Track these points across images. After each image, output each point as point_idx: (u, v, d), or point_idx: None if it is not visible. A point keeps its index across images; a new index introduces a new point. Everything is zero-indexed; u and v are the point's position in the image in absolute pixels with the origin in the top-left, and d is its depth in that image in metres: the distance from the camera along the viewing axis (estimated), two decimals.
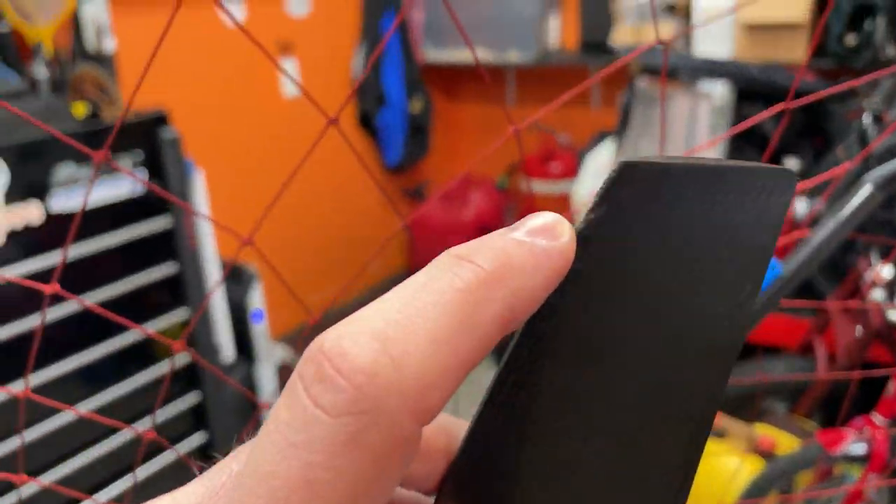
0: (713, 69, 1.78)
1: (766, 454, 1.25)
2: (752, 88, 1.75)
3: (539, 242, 0.17)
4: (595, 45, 2.49)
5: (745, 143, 1.76)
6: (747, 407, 1.43)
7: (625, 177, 0.18)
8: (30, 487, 1.08)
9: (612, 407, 0.19)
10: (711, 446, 1.22)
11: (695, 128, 1.85)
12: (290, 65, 2.41)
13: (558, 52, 2.63)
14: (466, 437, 0.19)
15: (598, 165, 2.06)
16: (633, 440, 0.20)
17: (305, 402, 0.14)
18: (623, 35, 2.22)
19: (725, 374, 0.20)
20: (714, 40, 2.00)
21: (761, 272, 0.20)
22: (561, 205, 2.48)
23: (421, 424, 0.15)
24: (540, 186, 2.57)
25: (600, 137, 2.35)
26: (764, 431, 1.30)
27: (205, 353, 1.59)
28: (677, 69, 1.81)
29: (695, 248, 0.19)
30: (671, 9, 2.17)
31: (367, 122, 2.75)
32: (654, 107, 1.88)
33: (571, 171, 2.51)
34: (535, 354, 0.19)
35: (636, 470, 0.20)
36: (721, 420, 1.31)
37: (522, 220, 0.18)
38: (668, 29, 2.07)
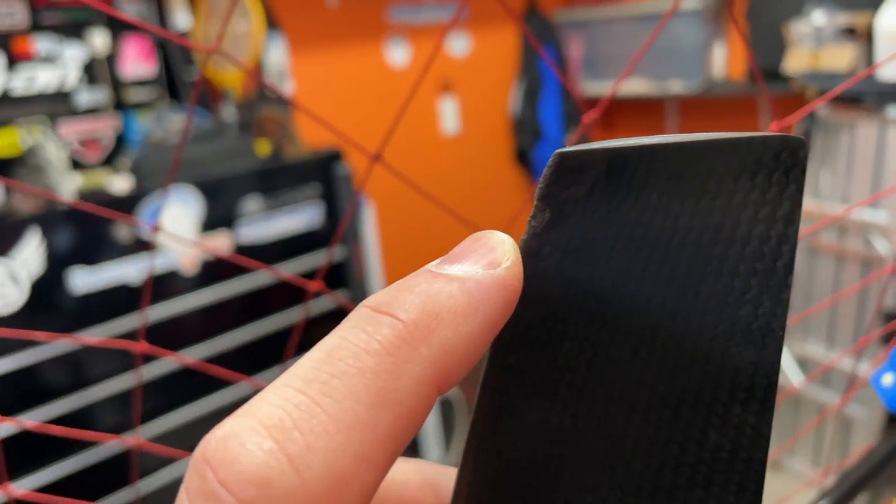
0: None
1: None
2: None
3: (474, 276, 0.14)
4: (766, 72, 2.37)
5: None
6: None
7: (564, 171, 0.15)
8: None
9: (605, 439, 0.16)
10: None
11: (883, 157, 1.70)
12: (451, 103, 2.47)
13: (724, 82, 2.53)
14: (455, 492, 0.17)
15: None
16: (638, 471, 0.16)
17: None
18: (798, 61, 2.10)
19: (759, 419, 0.15)
20: None
21: (775, 273, 0.15)
22: None
23: None
24: None
25: None
26: None
27: None
28: (862, 94, 1.68)
29: (673, 247, 0.15)
30: (850, 32, 2.03)
31: (523, 158, 2.76)
32: (837, 136, 1.75)
33: None
34: (507, 393, 0.16)
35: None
36: None
37: (461, 245, 0.15)
38: (847, 53, 1.94)
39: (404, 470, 0.18)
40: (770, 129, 0.37)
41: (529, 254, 0.15)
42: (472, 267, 0.14)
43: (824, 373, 1.79)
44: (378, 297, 0.14)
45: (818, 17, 1.92)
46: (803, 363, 1.84)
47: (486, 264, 0.14)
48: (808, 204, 1.74)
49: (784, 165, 0.15)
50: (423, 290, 0.13)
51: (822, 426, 1.83)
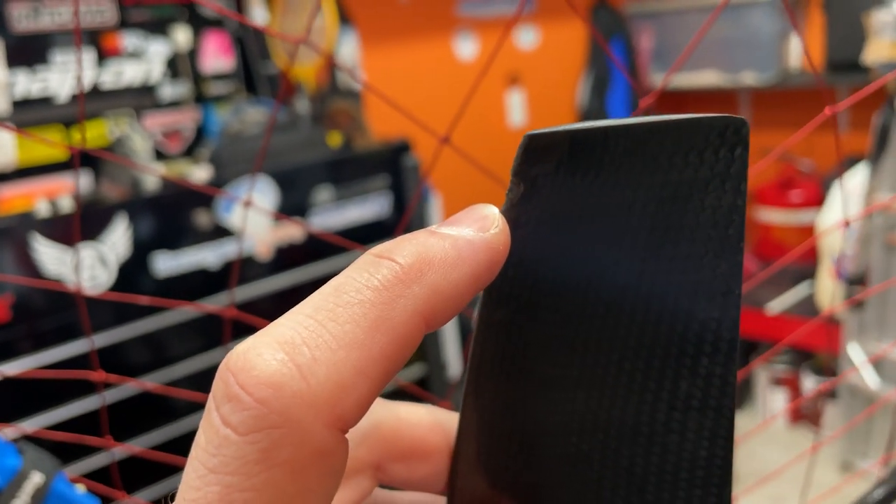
0: None
1: None
2: None
3: (464, 235, 0.16)
4: (843, 63, 2.30)
5: None
6: None
7: (532, 150, 0.17)
8: None
9: (585, 386, 0.18)
10: None
11: None
12: (518, 96, 2.48)
13: (800, 73, 2.46)
14: (458, 431, 0.19)
15: (849, 193, 1.89)
16: (617, 416, 0.18)
17: (216, 422, 0.14)
18: (879, 51, 2.03)
19: (725, 370, 0.17)
20: None
21: (728, 239, 0.17)
22: (804, 236, 2.30)
23: (340, 431, 0.14)
24: (779, 216, 2.40)
25: (849, 163, 2.16)
26: None
27: (434, 367, 1.67)
28: None
29: (633, 217, 0.17)
30: None
31: None
32: None
33: (815, 199, 2.32)
34: (496, 343, 0.18)
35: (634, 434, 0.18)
36: None
37: (458, 213, 0.17)
38: None
39: (417, 412, 0.21)
40: (823, 115, 0.38)
41: (507, 222, 0.17)
42: (465, 229, 0.16)
43: None
44: (382, 246, 0.16)
45: None
46: (880, 364, 1.78)
47: (477, 228, 0.16)
48: (887, 198, 1.68)
49: (728, 143, 0.17)
50: (420, 242, 0.16)
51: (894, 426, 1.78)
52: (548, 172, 0.17)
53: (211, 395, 0.14)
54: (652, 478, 0.18)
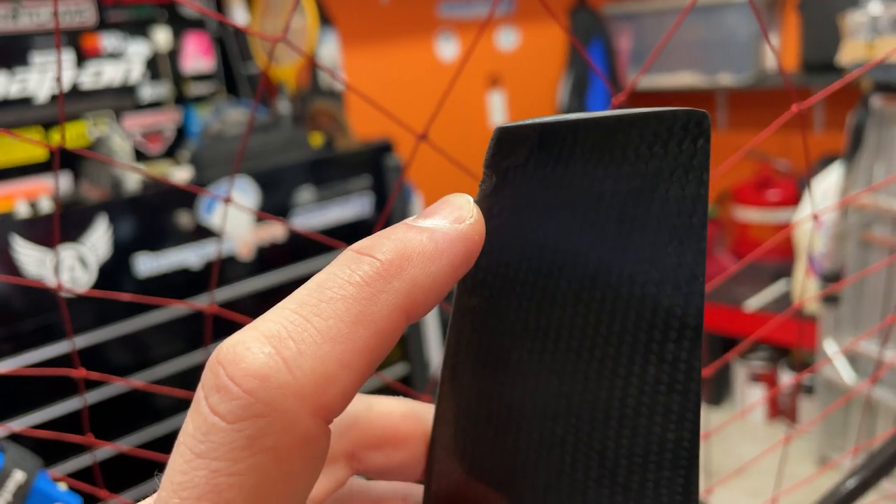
0: None
1: None
2: None
3: (441, 228, 0.17)
4: (818, 64, 2.34)
5: None
6: None
7: (504, 143, 0.17)
8: None
9: (557, 372, 0.18)
10: None
11: None
12: (499, 96, 2.49)
13: (776, 74, 2.49)
14: (435, 417, 0.19)
15: (824, 192, 1.92)
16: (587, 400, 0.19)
17: (205, 411, 0.14)
18: (853, 52, 2.06)
19: (690, 355, 0.18)
20: None
21: (692, 227, 0.18)
22: (781, 234, 2.34)
23: (324, 421, 0.15)
24: (755, 215, 2.43)
25: (824, 162, 2.19)
26: None
27: (417, 366, 1.68)
28: None
29: (601, 206, 0.18)
30: None
31: None
32: (891, 128, 1.72)
33: (791, 198, 2.36)
34: (471, 330, 0.18)
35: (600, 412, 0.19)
36: None
37: (433, 205, 0.18)
38: None
39: (389, 402, 0.21)
40: (791, 112, 0.39)
41: (481, 213, 0.18)
42: (441, 221, 0.17)
43: (876, 368, 1.77)
44: (362, 242, 0.17)
45: (875, 7, 1.89)
46: (854, 359, 1.81)
47: (453, 220, 0.17)
48: (862, 196, 1.71)
49: (691, 135, 0.17)
50: (399, 238, 0.16)
51: (872, 422, 1.81)
52: (518, 164, 0.18)
53: (200, 385, 0.15)
54: (623, 460, 0.18)
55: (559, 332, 0.18)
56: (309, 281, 0.16)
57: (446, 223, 0.17)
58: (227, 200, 0.44)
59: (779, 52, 2.52)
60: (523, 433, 0.19)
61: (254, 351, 0.14)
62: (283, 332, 0.15)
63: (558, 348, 0.18)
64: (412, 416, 0.21)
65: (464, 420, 0.19)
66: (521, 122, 0.17)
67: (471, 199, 0.18)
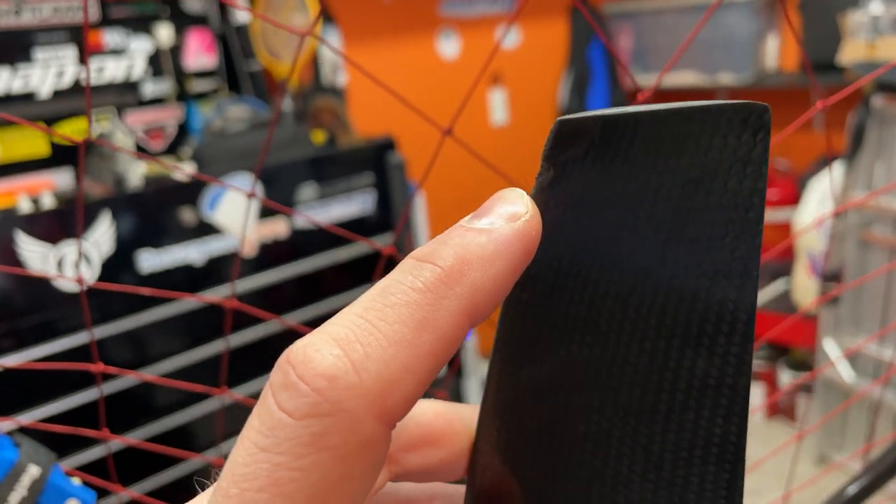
0: None
1: None
2: None
3: (499, 228, 0.17)
4: (819, 64, 2.34)
5: None
6: None
7: (563, 136, 0.17)
8: None
9: (607, 365, 0.18)
10: None
11: None
12: (500, 94, 2.49)
13: (776, 73, 2.50)
14: (481, 412, 0.19)
15: (824, 191, 1.92)
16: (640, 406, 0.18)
17: (272, 408, 0.15)
18: (854, 52, 2.07)
19: (741, 349, 0.18)
20: None
21: (748, 221, 0.18)
22: (780, 233, 2.34)
23: (387, 425, 0.15)
24: None
25: (824, 162, 2.20)
26: None
27: None
28: None
29: (659, 199, 0.18)
30: None
31: None
32: (892, 128, 1.73)
33: (791, 198, 2.36)
34: (521, 324, 0.18)
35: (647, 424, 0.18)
36: None
37: (487, 202, 0.18)
38: None
39: (421, 403, 0.22)
40: (815, 108, 0.39)
41: (537, 206, 0.18)
42: (497, 220, 0.17)
43: (875, 367, 1.77)
44: (422, 249, 0.17)
45: (875, 7, 1.89)
46: (854, 358, 1.82)
47: (508, 218, 0.17)
48: (862, 196, 1.72)
49: (751, 128, 0.17)
50: (457, 243, 0.17)
51: (872, 421, 1.81)
52: (577, 157, 0.18)
53: (268, 384, 0.15)
54: (668, 455, 0.18)
55: (610, 326, 0.18)
56: (372, 287, 0.16)
57: (502, 222, 0.17)
58: (251, 195, 0.44)
59: (780, 51, 2.52)
60: (569, 426, 0.19)
61: (323, 352, 0.15)
62: (351, 336, 0.15)
63: (609, 342, 0.18)
64: (445, 414, 0.21)
65: (510, 413, 0.19)
66: (581, 115, 0.17)
67: (524, 193, 0.18)
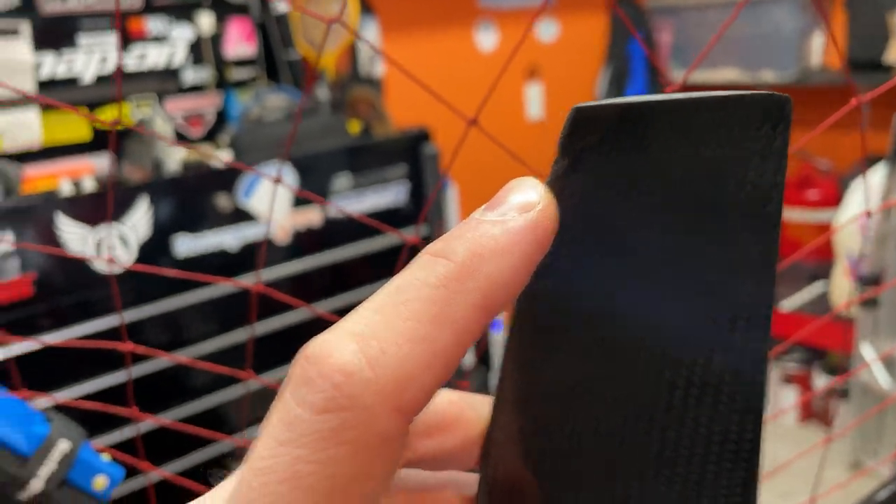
0: None
1: None
2: None
3: (512, 219, 0.17)
4: (865, 63, 2.29)
5: None
6: None
7: (580, 123, 0.17)
8: None
9: (622, 355, 0.18)
10: None
11: None
12: (537, 89, 2.48)
13: (821, 71, 2.45)
14: (495, 399, 0.19)
15: (867, 192, 1.88)
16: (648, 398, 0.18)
17: (291, 403, 0.15)
18: None
19: (759, 344, 0.18)
20: None
21: (767, 215, 0.17)
22: (821, 235, 2.30)
23: (404, 420, 0.15)
24: (795, 215, 2.39)
25: (868, 163, 2.15)
26: None
27: None
28: None
29: (676, 191, 0.17)
30: None
31: None
32: None
33: (832, 199, 2.31)
34: (536, 313, 0.18)
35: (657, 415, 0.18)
36: None
37: (500, 192, 0.17)
38: None
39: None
40: (850, 105, 0.38)
41: (552, 194, 0.17)
42: (510, 210, 0.17)
43: None
44: (435, 244, 0.17)
45: None
46: (891, 363, 1.78)
47: (521, 208, 0.17)
48: None
49: (772, 120, 0.17)
50: (469, 237, 0.16)
51: None
52: (593, 146, 0.17)
53: (286, 379, 0.16)
54: (683, 450, 0.18)
55: (625, 315, 0.18)
56: (387, 284, 0.17)
57: (514, 212, 0.17)
58: (278, 181, 0.45)
59: (824, 49, 2.47)
60: (583, 420, 0.19)
61: (340, 348, 0.15)
62: (367, 332, 0.15)
63: (626, 334, 0.18)
64: (457, 402, 0.21)
65: (524, 404, 0.19)
66: (599, 103, 0.17)
67: (537, 182, 0.18)
